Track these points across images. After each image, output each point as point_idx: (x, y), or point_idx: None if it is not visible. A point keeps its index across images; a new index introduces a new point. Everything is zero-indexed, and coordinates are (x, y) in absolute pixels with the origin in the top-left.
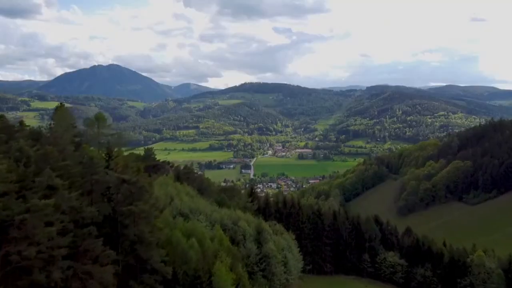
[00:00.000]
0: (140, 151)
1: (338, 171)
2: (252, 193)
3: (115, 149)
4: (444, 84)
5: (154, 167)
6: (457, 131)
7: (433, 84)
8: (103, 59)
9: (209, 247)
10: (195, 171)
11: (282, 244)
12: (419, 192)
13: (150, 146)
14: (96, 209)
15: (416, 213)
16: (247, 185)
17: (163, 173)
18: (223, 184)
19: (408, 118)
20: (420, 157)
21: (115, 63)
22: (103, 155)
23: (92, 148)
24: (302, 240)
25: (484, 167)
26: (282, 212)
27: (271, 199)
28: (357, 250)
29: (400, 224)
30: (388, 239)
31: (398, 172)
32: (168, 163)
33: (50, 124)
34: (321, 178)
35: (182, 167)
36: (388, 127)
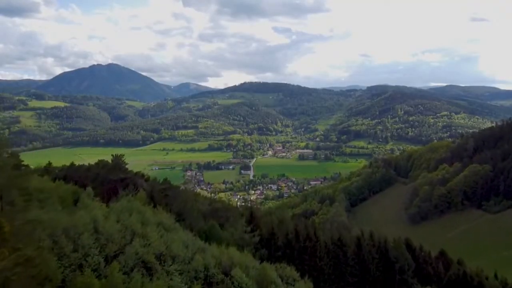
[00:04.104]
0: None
1: (339, 172)
2: (252, 219)
3: None
4: (445, 84)
5: (122, 181)
6: (460, 131)
7: (434, 84)
8: (102, 59)
9: None
10: (194, 171)
11: None
12: (433, 198)
13: (146, 147)
14: None
15: (429, 221)
16: (247, 187)
17: (134, 190)
18: (222, 184)
19: (410, 118)
20: (432, 159)
21: (114, 62)
22: None
23: None
24: (320, 283)
25: (505, 171)
26: (294, 246)
27: (278, 226)
28: (386, 286)
29: (413, 234)
30: (424, 270)
31: (408, 176)
32: (142, 175)
33: None
34: (322, 179)
35: (160, 181)
36: (390, 127)
